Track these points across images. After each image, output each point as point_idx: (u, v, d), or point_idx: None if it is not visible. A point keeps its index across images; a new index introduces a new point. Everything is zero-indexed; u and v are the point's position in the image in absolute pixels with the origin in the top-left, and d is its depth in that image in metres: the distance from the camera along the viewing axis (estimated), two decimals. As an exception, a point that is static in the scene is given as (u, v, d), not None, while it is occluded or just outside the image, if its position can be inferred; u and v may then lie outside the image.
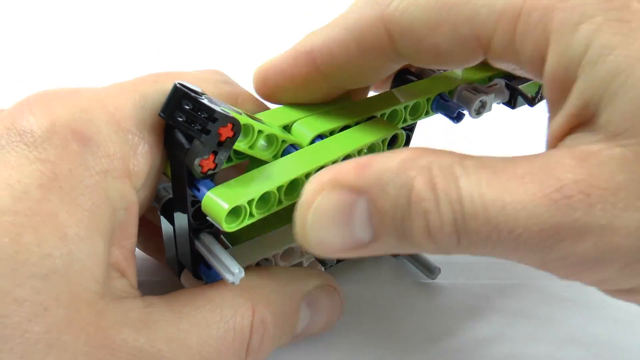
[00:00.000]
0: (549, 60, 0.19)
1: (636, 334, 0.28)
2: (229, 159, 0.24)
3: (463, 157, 0.19)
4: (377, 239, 0.19)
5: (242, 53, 0.53)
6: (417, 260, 0.31)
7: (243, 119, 0.23)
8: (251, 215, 0.22)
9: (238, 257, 0.25)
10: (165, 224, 0.26)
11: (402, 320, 0.29)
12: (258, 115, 0.25)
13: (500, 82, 0.30)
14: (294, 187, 0.24)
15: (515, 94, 0.30)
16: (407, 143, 0.31)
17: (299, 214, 0.19)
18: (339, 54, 0.22)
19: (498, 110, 0.30)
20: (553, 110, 0.20)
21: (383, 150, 0.26)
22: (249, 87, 0.28)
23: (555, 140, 0.19)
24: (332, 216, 0.19)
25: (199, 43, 0.55)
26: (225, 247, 0.26)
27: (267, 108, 0.28)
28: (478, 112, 0.29)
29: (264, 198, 0.23)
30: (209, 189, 0.22)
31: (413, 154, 0.19)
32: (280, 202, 0.23)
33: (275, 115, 0.26)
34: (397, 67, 0.22)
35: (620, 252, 0.17)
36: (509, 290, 0.30)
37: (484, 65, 0.25)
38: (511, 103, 0.30)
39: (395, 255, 0.32)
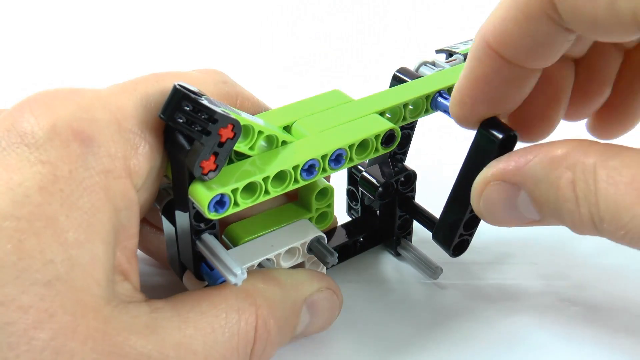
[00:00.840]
0: None
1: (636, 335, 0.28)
2: (230, 160, 0.24)
3: (609, 156, 0.20)
4: (544, 219, 0.22)
5: (242, 53, 0.53)
6: (419, 260, 0.31)
7: (243, 120, 0.23)
8: (236, 204, 0.23)
9: (240, 257, 0.25)
10: (166, 225, 0.26)
11: (403, 320, 0.29)
12: (258, 116, 0.25)
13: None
14: (282, 178, 0.24)
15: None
16: (407, 142, 0.31)
17: (473, 198, 0.24)
18: (512, 29, 0.21)
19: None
20: None
21: (376, 146, 0.26)
22: (249, 87, 0.28)
23: None
24: (499, 204, 0.23)
25: (199, 43, 0.55)
26: (227, 248, 0.26)
27: (267, 108, 0.28)
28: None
29: (250, 187, 0.23)
30: None
31: (563, 151, 0.21)
32: (267, 192, 0.24)
33: (275, 116, 0.27)
34: (567, 43, 0.22)
35: None
36: (509, 290, 0.30)
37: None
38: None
39: (397, 255, 0.32)
